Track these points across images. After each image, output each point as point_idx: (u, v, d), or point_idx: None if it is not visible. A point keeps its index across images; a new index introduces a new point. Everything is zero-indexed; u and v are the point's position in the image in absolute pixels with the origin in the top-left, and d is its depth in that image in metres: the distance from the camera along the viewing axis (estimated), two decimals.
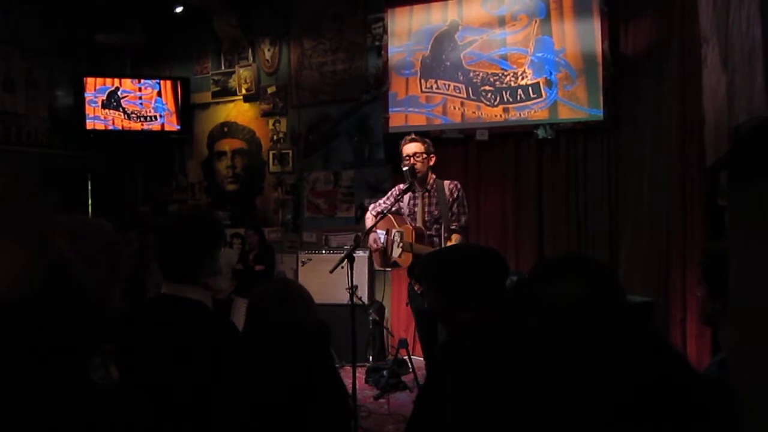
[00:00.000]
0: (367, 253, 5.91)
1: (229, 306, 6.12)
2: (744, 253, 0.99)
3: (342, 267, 3.82)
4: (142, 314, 1.92)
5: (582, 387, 0.59)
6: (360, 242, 3.89)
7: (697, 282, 1.80)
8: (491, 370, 0.64)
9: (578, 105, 5.53)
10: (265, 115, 7.13)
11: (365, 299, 5.71)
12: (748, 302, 0.95)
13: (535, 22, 5.71)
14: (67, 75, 7.14)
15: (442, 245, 3.89)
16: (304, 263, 6.17)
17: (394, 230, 4.10)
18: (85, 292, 0.75)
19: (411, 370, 5.04)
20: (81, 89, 7.06)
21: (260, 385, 1.49)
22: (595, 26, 5.44)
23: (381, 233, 4.14)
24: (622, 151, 5.34)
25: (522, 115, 5.74)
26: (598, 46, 5.42)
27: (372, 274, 6.10)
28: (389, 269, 5.01)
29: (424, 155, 4.06)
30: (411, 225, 4.05)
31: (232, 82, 7.30)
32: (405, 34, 6.26)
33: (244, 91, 7.21)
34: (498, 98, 5.84)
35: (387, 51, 6.31)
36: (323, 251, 6.32)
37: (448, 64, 6.05)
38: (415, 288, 3.89)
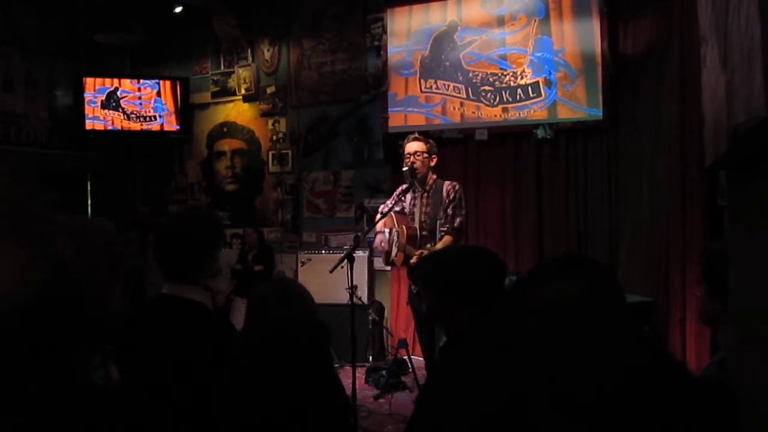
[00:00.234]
0: (367, 253, 5.91)
1: (229, 306, 6.11)
2: (744, 253, 0.99)
3: (342, 267, 3.82)
4: (142, 314, 1.92)
5: (582, 387, 0.59)
6: (359, 242, 3.90)
7: (697, 282, 1.80)
8: (491, 369, 0.64)
9: (577, 105, 5.53)
10: (265, 115, 7.13)
11: (365, 299, 5.71)
12: (748, 302, 0.96)
13: (535, 21, 5.71)
14: (67, 75, 7.14)
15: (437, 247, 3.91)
16: (303, 263, 6.17)
17: (394, 229, 4.12)
18: (85, 292, 0.75)
19: (411, 370, 5.04)
20: (80, 89, 7.06)
21: (260, 386, 1.49)
22: (595, 26, 5.44)
23: (387, 232, 4.16)
24: (621, 151, 5.34)
25: (521, 115, 5.74)
26: (597, 45, 5.42)
27: (372, 274, 6.10)
28: (389, 268, 5.00)
29: (425, 155, 4.05)
30: (404, 225, 4.06)
31: (232, 83, 7.30)
32: (404, 34, 6.26)
33: (243, 91, 7.22)
34: (497, 98, 5.84)
35: (386, 51, 6.31)
36: (323, 251, 6.32)
37: (448, 64, 6.05)
38: (412, 288, 3.91)
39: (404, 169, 4.06)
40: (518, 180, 5.79)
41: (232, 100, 7.33)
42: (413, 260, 3.89)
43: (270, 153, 7.10)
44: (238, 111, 7.32)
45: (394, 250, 4.08)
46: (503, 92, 5.82)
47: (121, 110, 7.17)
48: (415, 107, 6.18)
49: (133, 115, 7.21)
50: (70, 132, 7.09)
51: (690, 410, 0.66)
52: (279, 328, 1.63)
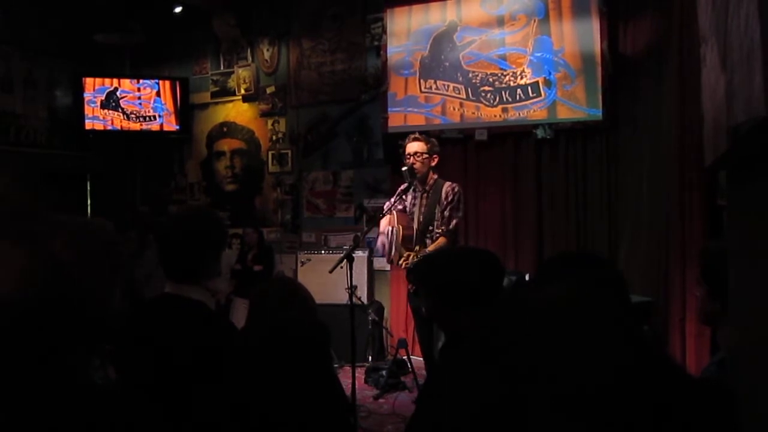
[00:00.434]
0: (367, 253, 5.91)
1: (229, 306, 6.11)
2: (743, 253, 0.99)
3: (341, 267, 3.83)
4: (142, 314, 1.92)
5: (582, 387, 0.59)
6: (359, 242, 3.91)
7: (697, 282, 1.80)
8: (490, 369, 0.64)
9: (577, 105, 5.53)
10: (264, 115, 7.12)
11: (364, 299, 5.71)
12: (747, 302, 0.96)
13: (534, 21, 5.71)
14: (67, 75, 7.14)
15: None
16: (303, 263, 6.17)
17: (393, 228, 4.13)
18: (85, 292, 0.75)
19: (410, 370, 5.04)
20: (80, 89, 7.06)
21: (260, 386, 1.49)
22: (594, 26, 5.44)
23: (388, 232, 4.17)
24: (621, 151, 5.34)
25: (521, 115, 5.74)
26: (596, 45, 5.42)
27: (371, 274, 6.11)
28: (389, 267, 5.00)
29: (425, 155, 4.05)
30: (402, 225, 4.07)
31: (231, 83, 7.30)
32: (404, 34, 6.26)
33: (243, 91, 7.21)
34: (497, 98, 5.84)
35: (386, 51, 6.31)
36: (322, 251, 6.32)
37: (447, 64, 6.05)
38: (409, 287, 3.93)
39: (403, 168, 4.06)
40: (518, 180, 5.79)
41: (232, 100, 7.33)
42: (401, 261, 3.96)
43: (270, 153, 7.10)
44: (237, 111, 7.32)
45: (393, 250, 4.10)
46: (503, 92, 5.82)
47: (120, 110, 7.17)
48: (415, 107, 6.18)
49: (132, 115, 7.21)
50: (69, 132, 7.09)
51: (690, 410, 0.66)
52: (279, 328, 1.63)
